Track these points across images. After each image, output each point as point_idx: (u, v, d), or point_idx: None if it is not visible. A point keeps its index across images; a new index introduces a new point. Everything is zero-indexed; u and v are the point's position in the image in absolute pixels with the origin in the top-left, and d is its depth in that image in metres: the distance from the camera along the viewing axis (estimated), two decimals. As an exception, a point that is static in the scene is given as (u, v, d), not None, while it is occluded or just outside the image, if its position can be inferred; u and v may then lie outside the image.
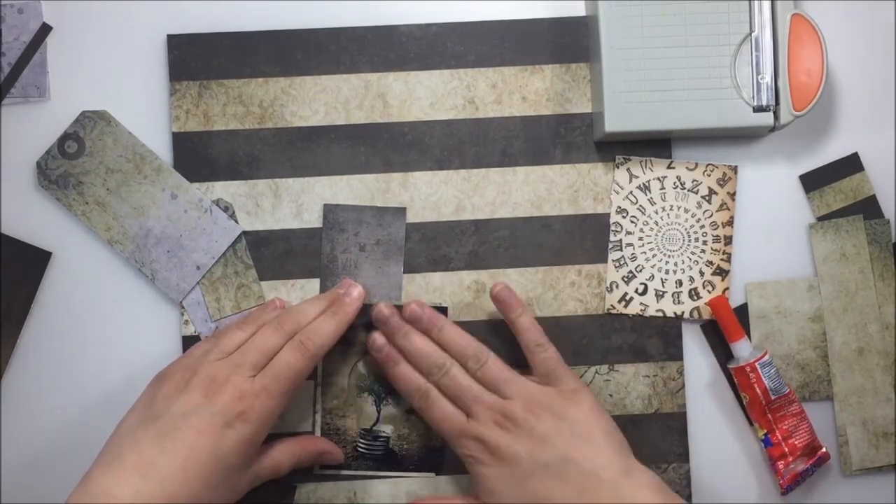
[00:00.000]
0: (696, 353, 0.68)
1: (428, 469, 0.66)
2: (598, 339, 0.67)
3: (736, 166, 0.68)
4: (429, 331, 0.63)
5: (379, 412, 0.65)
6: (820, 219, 0.69)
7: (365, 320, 0.64)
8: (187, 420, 0.56)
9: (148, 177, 0.64)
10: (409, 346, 0.62)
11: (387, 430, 0.65)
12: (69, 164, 0.64)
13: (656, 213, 0.68)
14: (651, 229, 0.68)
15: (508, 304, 0.63)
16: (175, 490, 0.54)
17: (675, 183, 0.68)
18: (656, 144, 0.68)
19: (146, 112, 0.68)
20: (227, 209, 0.67)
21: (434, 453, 0.66)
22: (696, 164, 0.68)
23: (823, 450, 0.67)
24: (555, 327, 0.67)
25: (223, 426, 0.56)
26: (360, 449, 0.65)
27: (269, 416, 0.58)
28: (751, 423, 0.68)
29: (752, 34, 0.65)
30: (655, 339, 0.68)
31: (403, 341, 0.62)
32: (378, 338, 0.63)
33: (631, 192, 0.68)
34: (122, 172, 0.65)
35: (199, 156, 0.68)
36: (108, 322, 0.67)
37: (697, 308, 0.68)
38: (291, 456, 0.62)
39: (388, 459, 0.65)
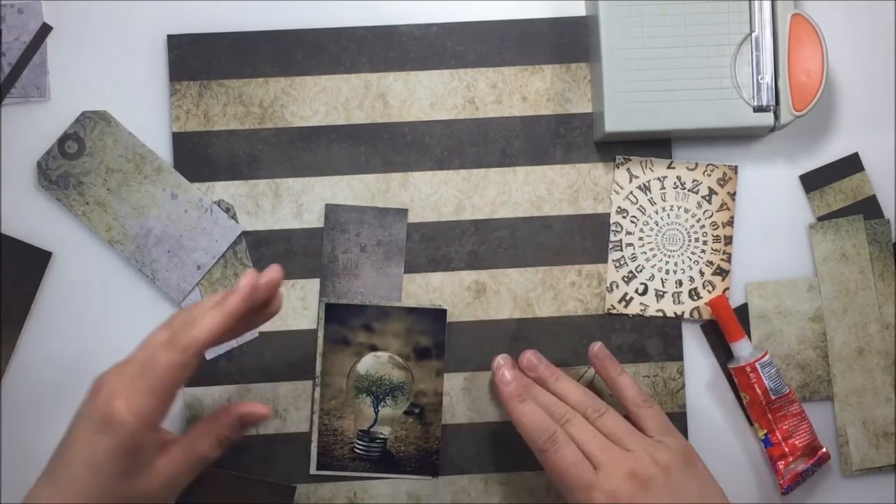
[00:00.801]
0: (697, 353, 0.68)
1: (425, 472, 0.66)
2: (598, 339, 0.67)
3: (736, 166, 0.68)
4: (544, 381, 0.63)
5: (377, 413, 0.65)
6: (820, 219, 0.69)
7: (363, 322, 0.64)
8: (75, 426, 0.54)
9: (148, 177, 0.64)
10: (535, 390, 0.62)
11: (384, 431, 0.65)
12: (69, 165, 0.64)
13: (656, 213, 0.68)
14: (651, 229, 0.68)
15: (607, 364, 0.64)
16: (65, 499, 0.53)
17: (675, 183, 0.68)
18: (656, 144, 0.68)
19: (146, 112, 0.68)
20: (227, 210, 0.67)
21: (431, 456, 0.66)
22: (697, 164, 0.68)
23: (823, 450, 0.67)
24: (555, 327, 0.67)
25: (95, 431, 0.53)
26: (357, 450, 0.65)
27: (141, 417, 0.52)
28: (751, 423, 0.68)
29: (753, 34, 0.65)
30: (655, 339, 0.68)
31: (535, 390, 0.62)
32: (507, 371, 0.62)
33: (631, 192, 0.68)
34: (122, 172, 0.65)
35: (199, 156, 0.68)
36: (108, 322, 0.67)
37: (697, 308, 0.68)
38: (207, 435, 0.58)
39: (385, 461, 0.65)
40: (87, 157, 0.65)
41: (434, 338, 0.65)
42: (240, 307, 0.55)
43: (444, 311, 0.63)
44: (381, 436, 0.65)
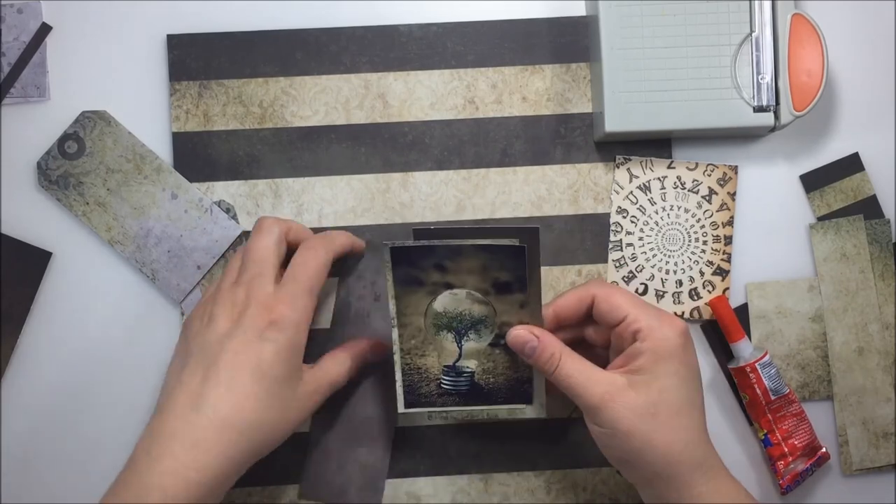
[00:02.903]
0: (697, 353, 0.68)
1: (518, 401, 0.63)
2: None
3: (736, 166, 0.68)
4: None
5: (461, 348, 0.61)
6: (820, 219, 0.69)
7: (434, 262, 0.59)
8: (222, 346, 0.56)
9: (148, 177, 0.64)
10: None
11: (471, 364, 0.62)
12: (69, 165, 0.64)
13: (656, 213, 0.68)
14: (651, 229, 0.68)
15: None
16: (226, 415, 0.54)
17: (675, 183, 0.68)
18: (656, 144, 0.68)
19: (146, 112, 0.68)
20: (228, 211, 0.67)
21: (523, 384, 0.62)
22: (697, 164, 0.68)
23: (823, 450, 0.67)
24: (555, 327, 0.67)
25: (258, 340, 0.56)
26: (444, 385, 0.62)
27: (301, 318, 0.58)
28: (751, 423, 0.68)
29: (753, 34, 0.65)
30: (655, 339, 0.68)
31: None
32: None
33: (631, 192, 0.68)
34: (122, 172, 0.65)
35: (199, 156, 0.68)
36: (107, 322, 0.67)
37: (698, 308, 0.68)
38: (342, 362, 0.62)
39: (474, 394, 0.62)
40: (86, 158, 0.65)
41: (514, 273, 0.58)
42: (355, 245, 0.64)
43: (522, 248, 0.57)
44: (468, 369, 0.62)
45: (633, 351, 0.57)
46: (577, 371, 0.57)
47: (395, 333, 0.61)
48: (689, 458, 0.57)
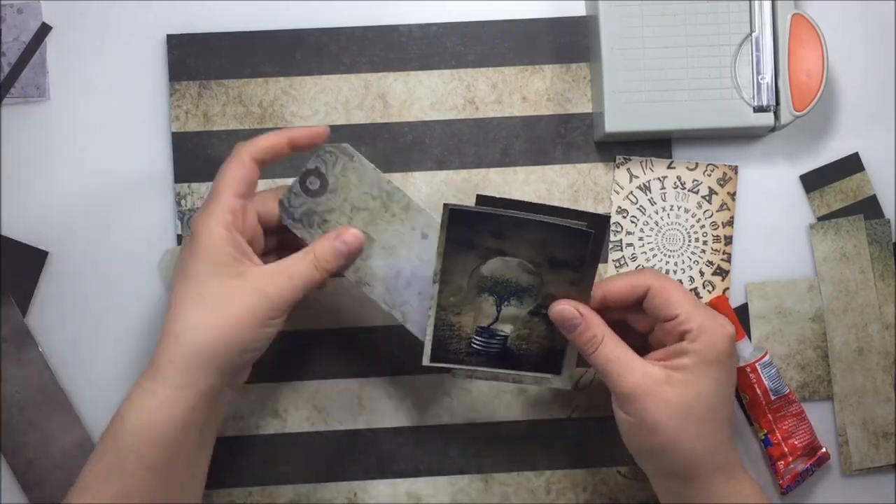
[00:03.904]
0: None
1: (547, 370, 0.61)
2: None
3: (736, 166, 0.68)
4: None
5: (499, 312, 0.60)
6: (820, 219, 0.69)
7: (491, 228, 0.57)
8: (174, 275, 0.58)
9: (396, 215, 0.61)
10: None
11: (506, 329, 0.60)
12: (312, 202, 0.60)
13: (656, 213, 0.68)
14: (651, 229, 0.68)
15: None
16: (167, 324, 0.56)
17: (675, 183, 0.68)
18: (656, 144, 0.68)
19: (146, 112, 0.68)
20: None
21: (555, 355, 0.61)
22: (697, 164, 0.68)
23: (823, 450, 0.67)
24: (555, 327, 0.67)
25: (185, 246, 0.57)
26: (474, 345, 0.61)
27: (211, 219, 0.56)
28: (751, 423, 0.68)
29: (753, 34, 0.65)
30: (655, 339, 0.68)
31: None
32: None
33: (631, 192, 0.68)
34: (368, 210, 0.61)
35: (198, 156, 0.67)
36: (107, 322, 0.67)
37: (697, 308, 0.68)
38: (300, 257, 0.58)
39: (504, 357, 0.61)
40: (330, 194, 0.60)
41: (574, 254, 0.57)
42: (293, 137, 0.59)
43: (589, 233, 0.56)
44: (502, 333, 0.60)
45: (678, 349, 0.57)
46: (616, 356, 0.57)
47: (434, 289, 0.59)
48: (711, 461, 0.56)
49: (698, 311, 0.57)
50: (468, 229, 0.57)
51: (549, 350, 0.60)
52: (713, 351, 0.56)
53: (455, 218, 0.57)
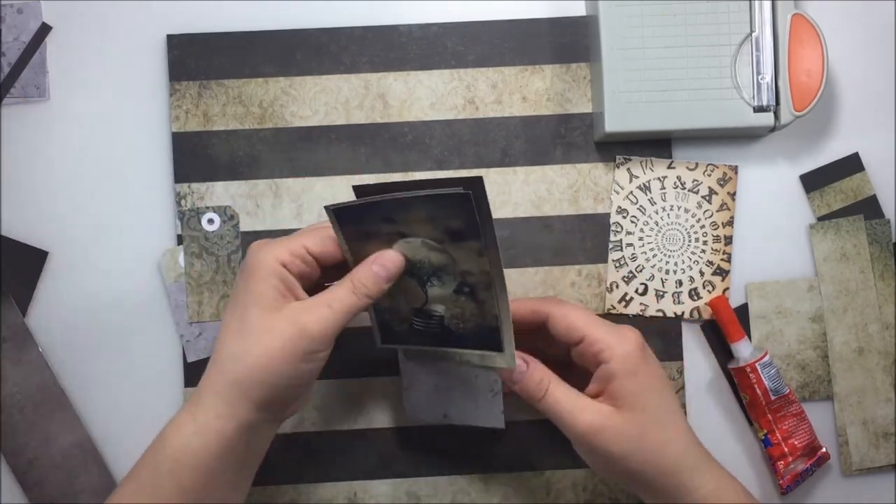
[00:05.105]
0: (696, 354, 0.68)
1: (488, 348, 0.60)
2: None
3: (736, 166, 0.68)
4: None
5: (426, 293, 0.60)
6: (820, 219, 0.69)
7: (381, 215, 0.57)
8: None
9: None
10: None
11: (439, 309, 0.61)
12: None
13: (656, 213, 0.68)
14: (651, 229, 0.68)
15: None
16: (215, 350, 0.56)
17: (675, 183, 0.68)
18: (656, 144, 0.68)
19: (146, 112, 0.68)
20: (231, 218, 0.67)
21: (493, 332, 0.60)
22: (697, 164, 0.68)
23: (823, 450, 0.67)
24: (555, 327, 0.67)
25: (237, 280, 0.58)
26: (416, 326, 0.61)
27: (271, 253, 0.56)
28: (751, 423, 0.68)
29: (753, 34, 0.65)
30: (656, 340, 0.68)
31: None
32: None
33: (631, 192, 0.68)
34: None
35: (198, 156, 0.68)
36: (107, 322, 0.67)
37: (697, 308, 0.68)
38: (341, 292, 0.57)
39: (447, 337, 0.61)
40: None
41: (465, 221, 0.56)
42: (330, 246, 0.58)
43: (468, 195, 0.55)
44: (437, 313, 0.60)
45: (603, 374, 0.57)
46: (564, 398, 0.57)
47: None
48: (685, 465, 0.57)
49: (600, 328, 0.58)
50: (359, 223, 0.57)
51: (485, 328, 0.59)
52: (630, 362, 0.57)
53: (341, 216, 0.57)
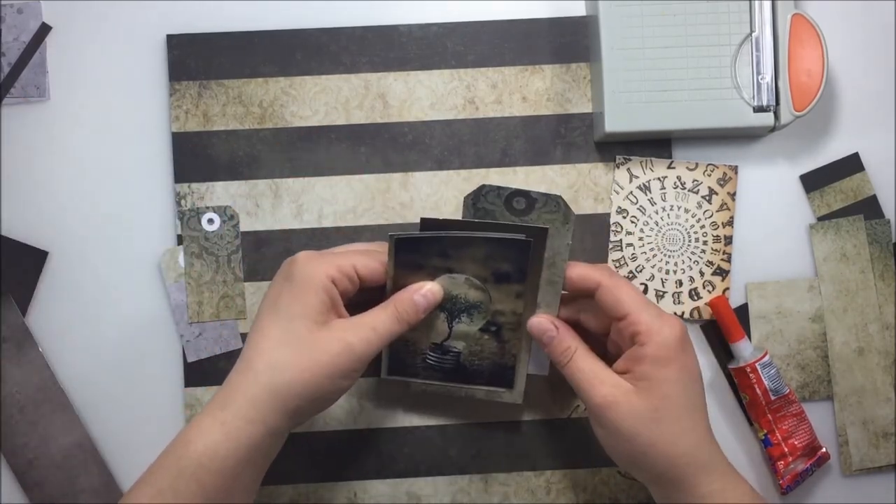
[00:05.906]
0: (697, 353, 0.68)
1: (499, 384, 0.63)
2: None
3: (736, 166, 0.68)
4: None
5: (451, 329, 0.62)
6: (820, 219, 0.69)
7: (437, 249, 0.59)
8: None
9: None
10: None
11: (458, 345, 0.62)
12: (520, 221, 0.60)
13: (656, 213, 0.68)
14: (651, 229, 0.68)
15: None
16: (249, 356, 0.56)
17: (675, 183, 0.68)
18: (656, 144, 0.68)
19: (146, 112, 0.68)
20: (231, 218, 0.67)
21: (506, 371, 0.63)
22: (697, 164, 0.68)
23: (823, 450, 0.67)
24: (555, 327, 0.67)
25: (279, 284, 0.58)
26: (429, 361, 0.63)
27: (322, 265, 0.57)
28: (751, 423, 0.68)
29: (753, 34, 0.65)
30: (655, 340, 0.68)
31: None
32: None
33: (631, 193, 0.68)
34: None
35: (198, 156, 0.68)
36: (107, 322, 0.67)
37: (697, 308, 0.68)
38: (384, 313, 0.59)
39: (457, 372, 0.63)
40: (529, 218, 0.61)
41: (515, 264, 0.59)
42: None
43: (528, 242, 0.58)
44: (455, 349, 0.62)
45: (634, 355, 0.57)
46: (587, 368, 0.58)
47: None
48: (694, 461, 0.57)
49: (646, 310, 0.58)
50: (415, 253, 0.59)
51: (501, 366, 0.63)
52: (665, 351, 0.57)
53: (402, 246, 0.59)
